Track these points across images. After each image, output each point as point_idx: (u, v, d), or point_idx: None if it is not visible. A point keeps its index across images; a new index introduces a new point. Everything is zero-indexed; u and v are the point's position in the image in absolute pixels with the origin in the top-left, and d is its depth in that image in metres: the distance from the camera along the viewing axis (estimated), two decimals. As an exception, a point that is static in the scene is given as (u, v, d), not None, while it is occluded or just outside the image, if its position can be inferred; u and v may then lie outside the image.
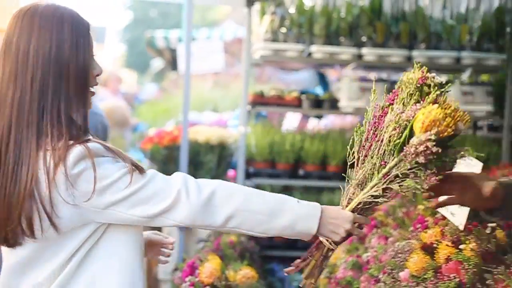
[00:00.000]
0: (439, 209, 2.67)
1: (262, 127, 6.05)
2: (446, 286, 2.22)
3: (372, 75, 5.93)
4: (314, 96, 5.78)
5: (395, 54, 5.40)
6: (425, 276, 2.38)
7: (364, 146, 2.14)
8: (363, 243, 3.78)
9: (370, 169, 2.09)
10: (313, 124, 7.39)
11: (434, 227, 2.66)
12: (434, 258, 2.43)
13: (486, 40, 5.52)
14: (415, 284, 2.41)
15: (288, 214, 2.08)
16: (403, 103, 2.02)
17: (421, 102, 2.02)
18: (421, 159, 1.89)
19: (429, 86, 2.05)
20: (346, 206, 2.16)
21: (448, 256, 2.36)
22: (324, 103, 5.65)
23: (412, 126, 1.95)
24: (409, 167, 1.95)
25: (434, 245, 2.49)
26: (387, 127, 2.02)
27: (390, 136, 2.00)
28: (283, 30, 5.50)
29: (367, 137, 2.13)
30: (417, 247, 2.57)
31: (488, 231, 2.35)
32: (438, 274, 2.34)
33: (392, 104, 2.08)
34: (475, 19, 5.58)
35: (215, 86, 12.30)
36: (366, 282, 3.05)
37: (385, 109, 2.11)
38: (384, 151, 2.03)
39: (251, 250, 4.49)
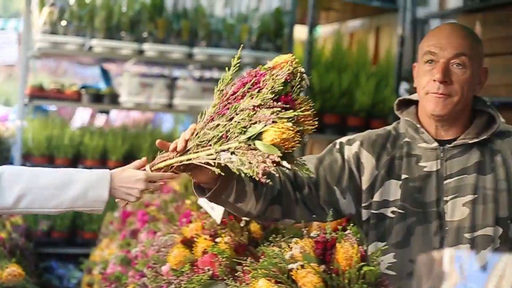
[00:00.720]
0: (200, 203, 2.73)
1: (40, 122, 5.89)
2: (200, 279, 2.26)
3: (153, 71, 5.94)
4: (95, 90, 5.71)
5: (176, 51, 5.45)
6: (183, 270, 2.42)
7: (216, 112, 2.04)
8: (136, 239, 3.78)
9: (211, 137, 2.01)
10: (102, 120, 7.31)
11: (196, 221, 2.71)
12: (193, 252, 2.47)
13: (264, 40, 5.70)
14: (174, 278, 2.43)
15: (78, 184, 2.05)
16: (262, 98, 1.94)
17: (279, 102, 1.94)
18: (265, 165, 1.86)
19: (292, 85, 1.99)
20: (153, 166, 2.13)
21: (205, 249, 2.40)
22: (104, 98, 5.59)
23: (262, 131, 1.91)
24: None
25: (195, 239, 2.53)
26: (240, 110, 1.96)
27: (240, 120, 1.94)
28: (63, 22, 5.38)
29: (220, 104, 2.04)
30: (178, 241, 2.60)
31: (242, 224, 2.43)
32: (194, 267, 2.39)
33: (250, 91, 1.98)
34: (255, 19, 5.75)
35: (8, 78, 11.81)
36: (133, 277, 3.06)
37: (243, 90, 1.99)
38: (229, 128, 1.96)
39: (23, 247, 4.35)
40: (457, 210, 2.16)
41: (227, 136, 1.97)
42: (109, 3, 5.38)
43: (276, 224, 3.27)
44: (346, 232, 1.85)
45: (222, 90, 2.05)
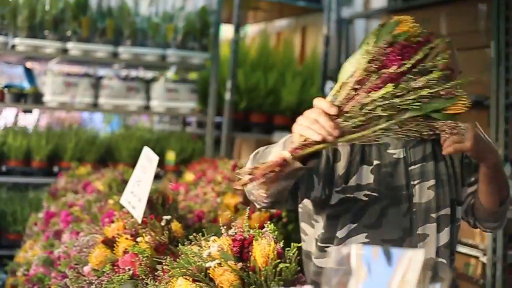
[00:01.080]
0: (122, 202, 2.72)
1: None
2: (120, 279, 2.25)
3: (78, 70, 5.87)
4: (18, 90, 5.60)
5: (101, 50, 5.40)
6: (104, 270, 2.40)
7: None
8: (59, 239, 3.73)
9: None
10: (26, 120, 7.18)
11: (118, 221, 2.69)
12: (114, 252, 2.45)
13: (190, 39, 5.70)
14: (95, 278, 2.42)
15: None
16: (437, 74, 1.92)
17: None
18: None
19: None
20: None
21: (126, 249, 2.39)
22: (28, 98, 5.49)
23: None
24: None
25: (116, 239, 2.52)
26: (416, 86, 1.90)
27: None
28: (-15, 20, 5.28)
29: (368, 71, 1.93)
30: (99, 241, 2.58)
31: (163, 223, 2.43)
32: (115, 267, 2.37)
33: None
34: (180, 18, 5.74)
35: None
36: (55, 278, 3.02)
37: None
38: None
39: None
40: (423, 193, 2.40)
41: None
42: (32, 1, 5.29)
43: (200, 222, 3.28)
44: (263, 230, 1.87)
45: (370, 55, 1.95)
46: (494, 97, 4.16)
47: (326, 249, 2.42)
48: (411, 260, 1.20)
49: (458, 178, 2.50)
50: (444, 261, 2.44)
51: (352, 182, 2.36)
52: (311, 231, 2.52)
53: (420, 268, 1.19)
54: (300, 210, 2.58)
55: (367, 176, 2.37)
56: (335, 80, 6.01)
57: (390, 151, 2.41)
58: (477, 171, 2.43)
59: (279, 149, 2.03)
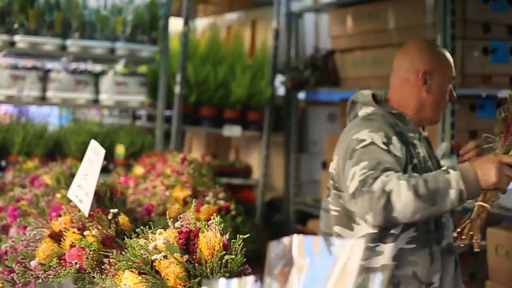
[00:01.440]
0: (69, 196, 2.71)
1: None
2: (67, 272, 2.25)
3: (25, 63, 5.79)
4: (-37, 83, 5.51)
5: (49, 43, 5.32)
6: (51, 264, 2.39)
7: None
8: (7, 234, 3.69)
9: None
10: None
11: (65, 215, 2.68)
12: (61, 246, 2.44)
13: (139, 32, 5.66)
14: (42, 272, 2.41)
15: None
16: None
17: None
18: None
19: None
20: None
21: (73, 243, 2.39)
22: (-26, 91, 5.40)
23: None
24: None
25: (63, 233, 2.51)
26: None
27: None
28: None
29: None
30: (46, 235, 2.57)
31: (110, 216, 2.42)
32: (62, 261, 2.36)
33: None
34: (129, 11, 5.70)
35: None
36: (2, 273, 2.99)
37: None
38: None
39: None
40: None
41: None
42: (-23, -7, 5.21)
43: (149, 216, 3.28)
44: (210, 222, 1.88)
45: None
46: (440, 90, 4.22)
47: (376, 248, 2.60)
48: (352, 249, 1.23)
49: None
50: (454, 244, 2.71)
51: None
52: (349, 233, 2.64)
53: (360, 257, 1.22)
54: (335, 214, 2.70)
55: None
56: (285, 73, 6.06)
57: (418, 150, 2.70)
58: None
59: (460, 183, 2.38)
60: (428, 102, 2.74)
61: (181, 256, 1.81)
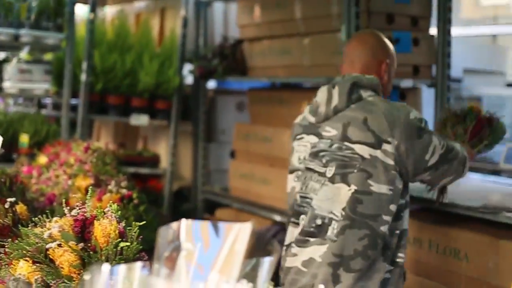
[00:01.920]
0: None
1: None
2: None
3: None
4: None
5: (-51, 28, 5.17)
6: None
7: None
8: None
9: None
10: None
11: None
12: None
13: (44, 19, 5.54)
14: None
15: None
16: None
17: None
18: None
19: None
20: None
21: (-32, 232, 2.33)
22: None
23: None
24: None
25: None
26: None
27: None
28: None
29: None
30: None
31: (6, 205, 2.37)
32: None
33: None
34: (34, -3, 5.56)
35: None
36: None
37: None
38: None
39: None
40: None
41: None
42: None
43: (51, 205, 3.22)
44: (106, 209, 1.87)
45: None
46: (345, 80, 4.29)
47: (401, 214, 3.00)
48: (239, 233, 1.24)
49: None
50: None
51: None
52: (396, 208, 3.01)
53: (247, 240, 1.23)
54: (389, 193, 2.93)
55: None
56: (193, 62, 6.04)
57: None
58: None
59: None
60: (385, 88, 3.17)
61: (76, 244, 1.79)
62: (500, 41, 9.83)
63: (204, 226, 1.24)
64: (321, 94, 3.07)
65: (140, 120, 5.85)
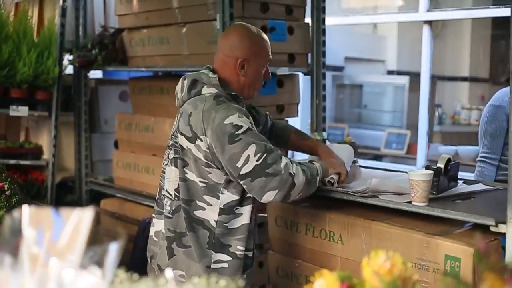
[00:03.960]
0: None
1: None
2: None
3: None
4: None
5: None
6: None
7: None
8: None
9: None
10: None
11: None
12: None
13: None
14: None
15: None
16: None
17: None
18: None
19: None
20: None
21: None
22: None
23: None
24: None
25: None
26: None
27: None
28: None
29: None
30: None
31: None
32: None
33: None
34: None
35: None
36: None
37: None
38: None
39: None
40: None
41: None
42: None
43: None
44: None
45: None
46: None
47: (236, 211, 3.10)
48: (81, 218, 1.27)
49: None
50: None
51: None
52: (216, 201, 3.07)
53: (89, 226, 1.26)
54: (203, 185, 3.05)
55: None
56: (73, 52, 5.97)
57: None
58: None
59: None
60: (246, 84, 3.18)
61: None
62: (380, 30, 10.15)
63: (46, 212, 1.26)
64: (179, 84, 3.24)
65: (19, 111, 5.73)
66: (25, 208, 1.26)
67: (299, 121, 7.09)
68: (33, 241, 1.25)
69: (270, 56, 3.27)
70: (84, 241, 1.24)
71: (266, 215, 4.02)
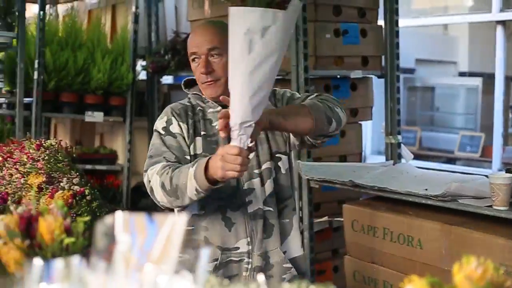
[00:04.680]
0: None
1: None
2: None
3: None
4: None
5: None
6: None
7: None
8: None
9: None
10: None
11: None
12: None
13: (-5, 18, 5.52)
14: None
15: None
16: None
17: None
18: None
19: None
20: None
21: None
22: None
23: None
24: None
25: None
26: None
27: None
28: None
29: None
30: None
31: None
32: None
33: None
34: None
35: None
36: None
37: None
38: None
39: None
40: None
41: None
42: None
43: (5, 204, 3.22)
44: (51, 206, 1.89)
45: None
46: (295, 72, 4.35)
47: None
48: (174, 224, 1.28)
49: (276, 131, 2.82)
50: (271, 209, 2.79)
51: (192, 152, 2.78)
52: None
53: (183, 230, 1.27)
54: None
55: (199, 145, 2.79)
56: (146, 58, 6.05)
57: (213, 124, 2.81)
58: None
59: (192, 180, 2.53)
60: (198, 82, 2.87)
61: (22, 242, 1.80)
62: (451, 31, 10.00)
63: (140, 218, 1.27)
64: None
65: (95, 117, 5.84)
66: (119, 213, 1.28)
67: (372, 124, 7.04)
68: (127, 247, 1.26)
69: (193, 49, 2.78)
70: (178, 247, 1.25)
71: (341, 219, 4.00)
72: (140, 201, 6.36)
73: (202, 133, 2.82)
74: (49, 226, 1.81)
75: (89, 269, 1.25)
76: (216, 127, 2.75)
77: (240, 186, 2.78)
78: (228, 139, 2.51)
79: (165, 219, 1.27)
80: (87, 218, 1.86)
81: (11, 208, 1.94)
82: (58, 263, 1.23)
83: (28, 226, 1.85)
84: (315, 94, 2.90)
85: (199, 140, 2.81)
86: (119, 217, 1.27)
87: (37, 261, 1.26)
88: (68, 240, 1.77)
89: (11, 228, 1.84)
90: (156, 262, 1.23)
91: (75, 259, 1.24)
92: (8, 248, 1.79)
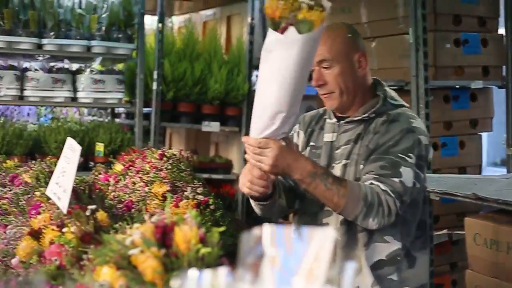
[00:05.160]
0: (47, 193, 2.73)
1: None
2: (47, 269, 2.27)
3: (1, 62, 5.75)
4: None
5: (24, 42, 5.33)
6: (31, 261, 2.41)
7: None
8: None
9: None
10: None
11: (45, 212, 2.70)
12: (41, 243, 2.47)
13: (115, 30, 5.67)
14: (23, 270, 2.43)
15: None
16: None
17: None
18: None
19: None
20: None
21: (52, 240, 2.41)
22: None
23: None
24: None
25: (43, 230, 2.53)
26: None
27: None
28: None
29: None
30: (26, 233, 2.59)
31: (88, 213, 2.44)
32: (42, 258, 2.39)
33: None
34: (104, 8, 5.70)
35: None
36: (-18, 273, 3.01)
37: None
38: None
39: None
40: (336, 172, 2.66)
41: None
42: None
43: (130, 212, 3.31)
44: (186, 215, 1.91)
45: None
46: (414, 82, 4.28)
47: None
48: (323, 238, 1.26)
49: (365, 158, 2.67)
50: (338, 238, 2.67)
51: None
52: None
53: (332, 246, 1.25)
54: None
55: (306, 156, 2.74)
56: (261, 68, 6.08)
57: (324, 135, 2.78)
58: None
59: None
60: None
61: (158, 251, 1.83)
62: None
63: (287, 231, 1.27)
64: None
65: (211, 127, 5.93)
66: (266, 226, 1.28)
67: (487, 136, 6.84)
68: (275, 260, 1.25)
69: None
70: (327, 262, 1.24)
71: (463, 232, 3.90)
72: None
73: (311, 143, 2.82)
74: (185, 236, 1.83)
75: (236, 281, 1.26)
76: (324, 139, 2.77)
77: (324, 205, 2.66)
78: (329, 155, 2.69)
79: (314, 234, 1.26)
80: (222, 229, 1.87)
81: (145, 217, 1.98)
82: (207, 274, 1.24)
83: (163, 235, 1.88)
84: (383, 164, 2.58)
85: (308, 150, 2.83)
86: (267, 229, 1.27)
87: (185, 272, 1.27)
88: (204, 250, 1.79)
89: (147, 237, 1.87)
90: (305, 278, 1.23)
91: (223, 270, 1.25)
92: (144, 257, 1.82)
